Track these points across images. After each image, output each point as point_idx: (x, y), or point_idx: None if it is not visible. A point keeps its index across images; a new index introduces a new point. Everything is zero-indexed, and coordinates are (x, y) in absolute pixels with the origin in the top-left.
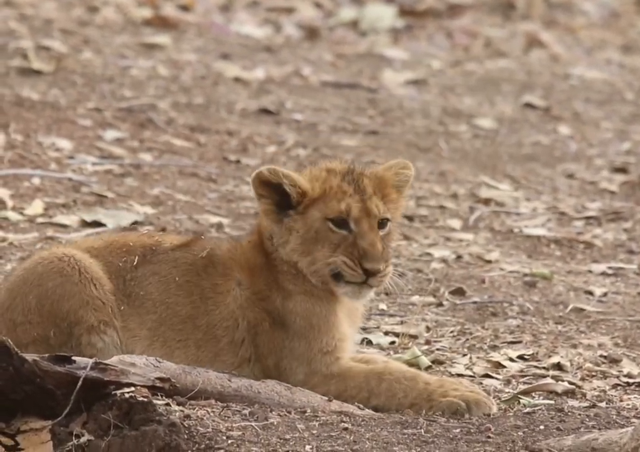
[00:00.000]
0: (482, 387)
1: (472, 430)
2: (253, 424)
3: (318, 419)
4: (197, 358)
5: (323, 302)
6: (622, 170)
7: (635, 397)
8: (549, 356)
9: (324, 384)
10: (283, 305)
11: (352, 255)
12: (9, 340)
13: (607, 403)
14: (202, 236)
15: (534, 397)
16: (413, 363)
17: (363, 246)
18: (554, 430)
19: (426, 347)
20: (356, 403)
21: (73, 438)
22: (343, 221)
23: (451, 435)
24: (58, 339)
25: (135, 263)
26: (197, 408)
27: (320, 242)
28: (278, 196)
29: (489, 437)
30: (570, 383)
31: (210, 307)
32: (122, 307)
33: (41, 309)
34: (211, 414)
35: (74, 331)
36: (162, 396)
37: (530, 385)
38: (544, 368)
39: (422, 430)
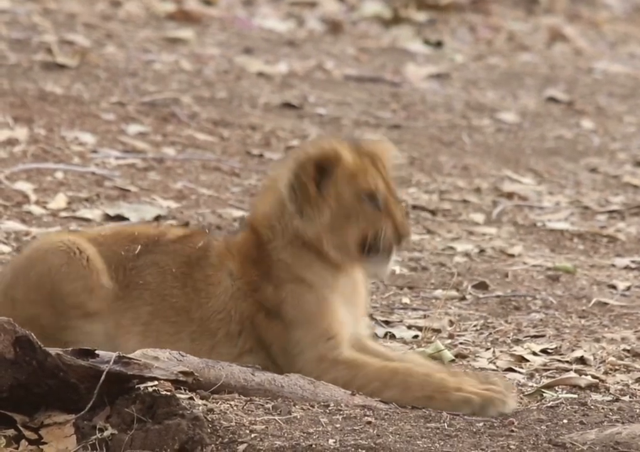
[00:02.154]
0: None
1: (495, 424)
2: (276, 417)
3: (341, 412)
4: (192, 351)
5: (314, 289)
6: None
7: None
8: (573, 350)
9: (332, 370)
10: (275, 295)
11: (388, 228)
12: (32, 334)
13: (630, 397)
14: (207, 231)
15: (557, 391)
16: (436, 357)
17: (395, 218)
18: (577, 424)
19: (449, 341)
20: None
21: (97, 432)
22: (373, 196)
23: (474, 429)
24: (49, 320)
25: (137, 252)
26: (220, 402)
27: (353, 217)
28: (319, 177)
29: (512, 430)
30: (593, 377)
31: (203, 300)
32: (119, 299)
33: (41, 287)
34: (234, 408)
35: (70, 314)
36: (185, 390)
37: (553, 379)
38: (567, 362)
39: (445, 424)
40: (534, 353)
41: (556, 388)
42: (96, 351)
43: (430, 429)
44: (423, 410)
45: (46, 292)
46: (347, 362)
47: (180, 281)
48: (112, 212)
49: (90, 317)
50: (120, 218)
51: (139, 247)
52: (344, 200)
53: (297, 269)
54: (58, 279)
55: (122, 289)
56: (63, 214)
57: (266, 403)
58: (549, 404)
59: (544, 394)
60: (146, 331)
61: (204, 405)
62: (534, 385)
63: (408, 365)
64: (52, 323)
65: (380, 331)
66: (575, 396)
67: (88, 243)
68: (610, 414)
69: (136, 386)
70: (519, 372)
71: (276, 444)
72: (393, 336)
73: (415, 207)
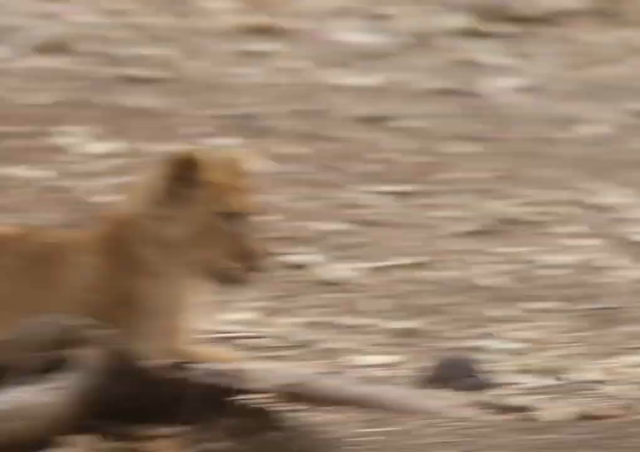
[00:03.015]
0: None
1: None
2: (375, 430)
3: (439, 424)
4: None
5: (171, 286)
6: None
7: None
8: None
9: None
10: (130, 287)
11: (239, 256)
12: (131, 348)
13: None
14: (40, 228)
15: None
16: (535, 369)
17: (249, 245)
18: None
19: (548, 353)
20: None
21: (197, 444)
22: (229, 217)
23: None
24: None
25: None
26: (319, 415)
27: (207, 236)
28: (177, 180)
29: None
30: None
31: (52, 296)
32: None
33: None
34: (333, 421)
35: None
36: (282, 403)
37: None
38: None
39: (547, 435)
40: (634, 366)
41: None
42: (195, 365)
43: (529, 441)
44: (518, 422)
45: None
46: (188, 355)
47: (29, 281)
48: None
49: None
50: None
51: None
52: (203, 215)
53: (155, 265)
54: None
55: None
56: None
57: (365, 415)
58: None
59: None
60: None
61: (302, 417)
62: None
63: None
64: None
65: (485, 343)
66: None
67: None
68: None
69: (234, 398)
70: (621, 385)
71: None
72: (490, 349)
73: (506, 220)
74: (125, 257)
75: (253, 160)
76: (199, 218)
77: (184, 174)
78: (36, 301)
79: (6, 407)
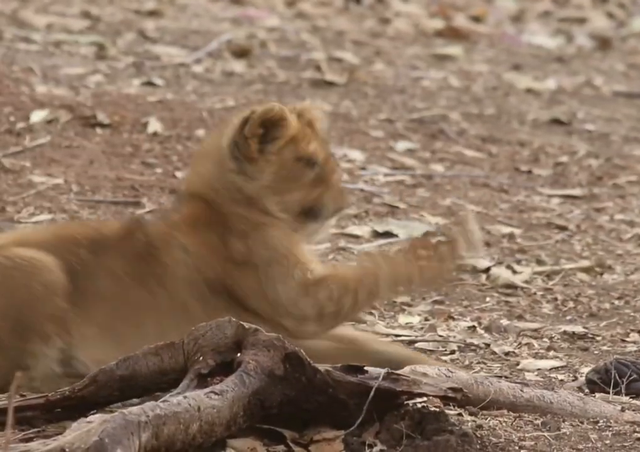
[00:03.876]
0: None
1: None
2: (545, 434)
3: (611, 429)
4: (162, 332)
5: (279, 228)
6: None
7: None
8: None
9: (320, 289)
10: (242, 245)
11: (327, 195)
12: (301, 350)
13: None
14: (139, 220)
15: None
16: None
17: (335, 184)
18: None
19: None
20: None
21: (366, 448)
22: (314, 162)
23: None
24: (8, 343)
25: (84, 257)
26: (489, 418)
27: (294, 181)
28: (262, 136)
29: None
30: None
31: (167, 289)
32: (74, 308)
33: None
34: (503, 424)
35: (26, 336)
36: (454, 406)
37: None
38: None
39: None
40: None
41: None
42: (365, 367)
43: None
44: None
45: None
46: (329, 276)
47: (134, 276)
48: (380, 229)
49: (46, 341)
50: (388, 234)
51: (86, 251)
52: (286, 163)
53: (254, 217)
54: (19, 304)
55: (75, 299)
56: (332, 230)
57: (535, 419)
58: None
59: None
60: (105, 332)
61: (473, 421)
62: None
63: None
64: (9, 346)
65: None
66: None
67: (43, 254)
68: None
69: (405, 402)
70: None
71: None
72: None
73: None
74: (221, 223)
75: (323, 115)
76: (283, 166)
77: (265, 131)
78: (150, 299)
79: (179, 409)
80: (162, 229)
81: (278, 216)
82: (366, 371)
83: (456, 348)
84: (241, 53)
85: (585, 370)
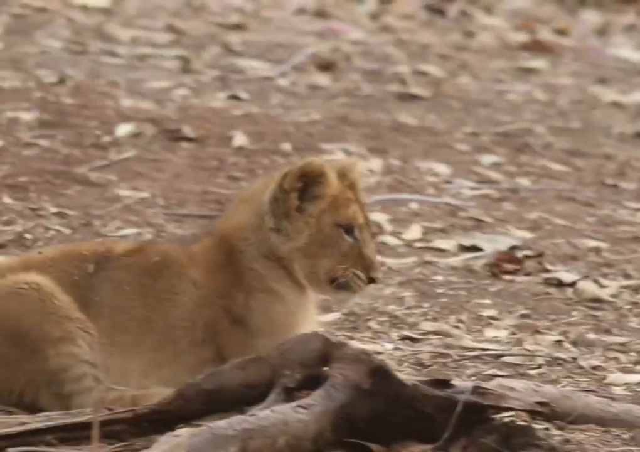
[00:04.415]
0: None
1: None
2: (633, 449)
3: None
4: (155, 361)
5: (285, 302)
6: None
7: None
8: None
9: None
10: (245, 302)
11: (360, 265)
12: (388, 364)
13: None
14: (155, 241)
15: None
16: None
17: (369, 256)
18: None
19: None
20: None
21: None
22: (351, 229)
23: None
24: (19, 357)
25: (90, 271)
26: (576, 433)
27: (329, 247)
28: (302, 192)
29: None
30: None
31: (167, 309)
32: (78, 319)
33: (1, 331)
34: (591, 439)
35: (39, 347)
36: (541, 420)
37: None
38: None
39: None
40: None
41: None
42: (452, 382)
43: None
44: None
45: (8, 335)
46: None
47: (139, 293)
48: (466, 242)
49: (61, 342)
50: (474, 248)
51: (92, 265)
52: (324, 227)
53: (269, 280)
54: (15, 321)
55: (81, 308)
56: (418, 244)
57: (623, 434)
58: None
59: None
60: (111, 343)
61: (561, 435)
62: None
63: None
64: (23, 359)
65: None
66: None
67: (35, 273)
68: None
69: (492, 416)
70: None
71: None
72: None
73: None
74: (237, 272)
75: (366, 170)
76: (320, 230)
77: (304, 186)
78: (149, 316)
79: (266, 423)
80: (178, 254)
81: (302, 282)
82: (453, 385)
83: (543, 362)
84: (326, 66)
85: None
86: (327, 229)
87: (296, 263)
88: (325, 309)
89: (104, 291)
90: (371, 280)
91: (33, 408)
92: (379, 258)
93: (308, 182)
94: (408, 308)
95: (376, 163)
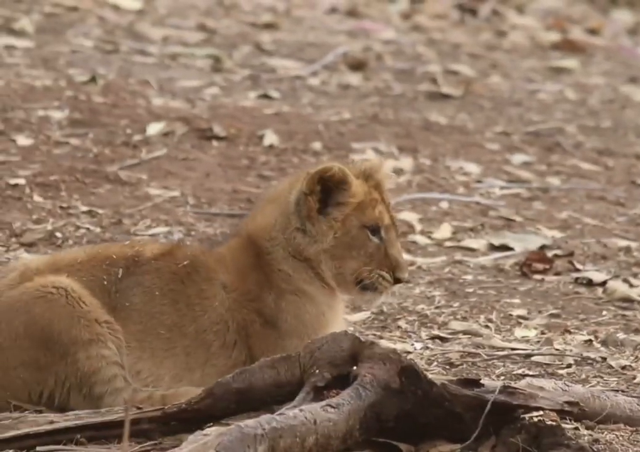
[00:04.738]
0: None
1: None
2: None
3: None
4: (187, 365)
5: (315, 302)
6: None
7: None
8: None
9: None
10: (275, 304)
11: (386, 266)
12: (417, 364)
13: None
14: (182, 244)
15: None
16: None
17: (395, 256)
18: None
19: None
20: None
21: None
22: (378, 229)
23: None
24: (49, 360)
25: (119, 275)
26: (605, 433)
27: (355, 248)
28: (324, 195)
29: None
30: None
31: (197, 313)
32: (109, 322)
33: (31, 335)
34: (620, 439)
35: (69, 350)
36: (570, 420)
37: None
38: None
39: None
40: None
41: None
42: (481, 381)
43: None
44: None
45: (37, 339)
46: None
47: (169, 297)
48: (496, 242)
49: (91, 345)
50: (504, 247)
51: (120, 270)
52: (351, 230)
53: (298, 281)
54: (45, 325)
55: (109, 311)
56: (448, 244)
57: None
58: None
59: None
60: (141, 347)
61: (590, 435)
62: None
63: None
64: (52, 362)
65: None
66: None
67: (64, 276)
68: None
69: (521, 416)
70: None
71: None
72: None
73: None
74: (266, 274)
75: (392, 170)
76: (347, 232)
77: (325, 190)
78: (180, 320)
79: (295, 422)
80: (207, 258)
81: (330, 283)
82: (482, 385)
83: (572, 362)
84: (357, 65)
85: None
86: (354, 231)
87: (323, 265)
88: (355, 308)
89: (133, 296)
90: (397, 281)
91: (62, 410)
92: (405, 258)
93: (329, 186)
94: (438, 307)
95: (406, 162)
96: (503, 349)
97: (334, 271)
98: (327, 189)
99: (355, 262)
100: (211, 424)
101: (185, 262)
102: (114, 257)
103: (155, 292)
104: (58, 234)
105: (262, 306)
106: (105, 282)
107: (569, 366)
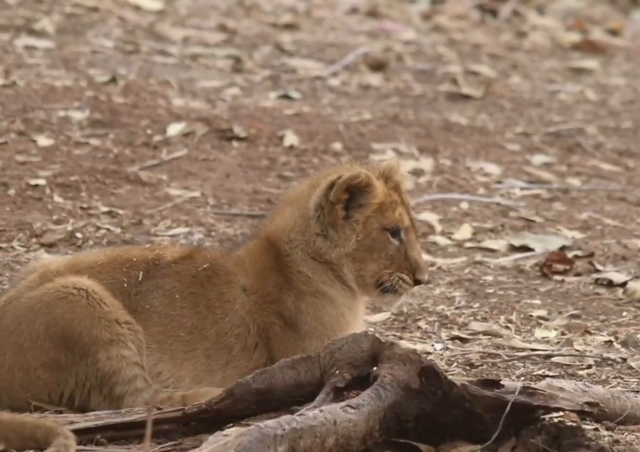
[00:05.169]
0: None
1: None
2: None
3: None
4: (207, 367)
5: (334, 304)
6: None
7: None
8: None
9: None
10: (295, 305)
11: (406, 268)
12: (437, 364)
13: None
14: (202, 247)
15: None
16: None
17: (415, 258)
18: None
19: None
20: None
21: None
22: (398, 231)
23: None
24: (69, 360)
25: (139, 278)
26: (626, 434)
27: (376, 251)
28: (348, 200)
29: None
30: None
31: (218, 316)
32: (129, 323)
33: (52, 336)
34: None
35: (90, 350)
36: (590, 421)
37: None
38: None
39: None
40: None
41: None
42: (501, 382)
43: None
44: None
45: (58, 340)
46: None
47: (189, 301)
48: (516, 243)
49: (112, 345)
50: (525, 248)
51: (140, 273)
52: (372, 232)
53: (318, 283)
54: (65, 325)
55: (130, 313)
56: (468, 244)
57: None
58: None
59: None
60: (161, 349)
61: (610, 436)
62: None
63: None
64: (73, 363)
65: None
66: None
67: (85, 278)
68: None
69: (541, 417)
70: None
71: None
72: None
73: None
74: (286, 276)
75: (409, 171)
76: (368, 235)
77: (354, 194)
78: (200, 323)
79: (315, 422)
80: (226, 261)
81: (351, 285)
82: (502, 386)
83: (593, 363)
84: (378, 66)
85: None
86: (375, 233)
87: (345, 268)
88: (375, 309)
89: (154, 299)
90: (417, 282)
91: (83, 411)
92: (425, 259)
93: (355, 193)
94: (458, 308)
95: (426, 163)
96: (523, 350)
97: (355, 274)
98: (351, 195)
99: (376, 265)
100: (231, 424)
101: (205, 265)
102: (134, 259)
103: (175, 295)
104: (78, 235)
105: (282, 308)
106: (125, 285)
107: (589, 367)
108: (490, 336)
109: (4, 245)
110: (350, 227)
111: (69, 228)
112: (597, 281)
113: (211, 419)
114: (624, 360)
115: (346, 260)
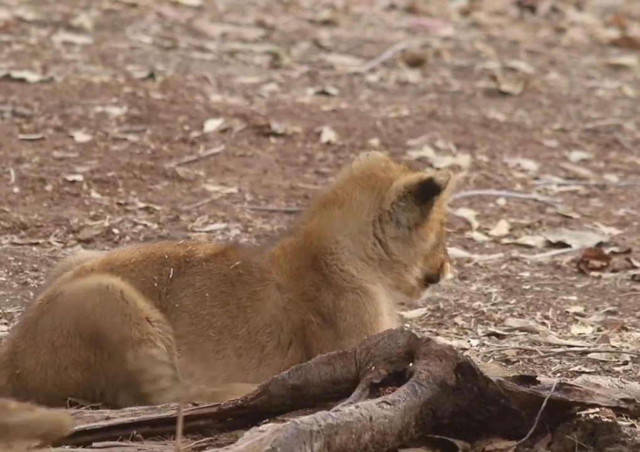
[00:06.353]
0: None
1: None
2: None
3: None
4: (239, 366)
5: (374, 302)
6: None
7: None
8: None
9: None
10: (334, 303)
11: (444, 257)
12: (473, 360)
13: None
14: (237, 244)
15: None
16: None
17: (445, 252)
18: None
19: None
20: None
21: None
22: (446, 223)
23: None
24: (98, 359)
25: (170, 276)
26: None
27: (437, 245)
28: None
29: None
30: None
31: (249, 315)
32: (160, 322)
33: (81, 332)
34: None
35: (118, 349)
36: (626, 417)
37: None
38: None
39: None
40: None
41: None
42: (537, 378)
43: None
44: None
45: (88, 337)
46: None
47: (220, 299)
48: (553, 239)
49: (141, 344)
50: (562, 244)
51: (172, 270)
52: (437, 227)
53: (361, 280)
54: (95, 320)
55: (161, 312)
56: (505, 241)
57: None
58: None
59: None
60: (191, 349)
61: None
62: None
63: None
64: (102, 361)
65: None
66: None
67: (118, 276)
68: None
69: (577, 413)
70: None
71: None
72: None
73: None
74: (325, 274)
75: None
76: (435, 231)
77: (423, 199)
78: (231, 322)
79: (351, 418)
80: (260, 259)
81: (412, 283)
82: (539, 382)
83: (629, 359)
84: (416, 62)
85: None
86: (439, 228)
87: (415, 266)
88: (412, 305)
89: (184, 297)
90: (451, 273)
91: (113, 408)
92: (461, 254)
93: (434, 193)
94: (494, 304)
95: (464, 159)
96: (559, 346)
97: (423, 270)
98: (418, 200)
99: (432, 258)
100: (267, 420)
101: (237, 263)
102: (166, 257)
103: (205, 293)
104: (115, 230)
105: (320, 305)
106: (156, 284)
107: (625, 363)
108: (526, 333)
109: (41, 241)
110: (428, 226)
111: (106, 224)
112: (633, 277)
113: (246, 415)
114: None
115: (420, 259)
